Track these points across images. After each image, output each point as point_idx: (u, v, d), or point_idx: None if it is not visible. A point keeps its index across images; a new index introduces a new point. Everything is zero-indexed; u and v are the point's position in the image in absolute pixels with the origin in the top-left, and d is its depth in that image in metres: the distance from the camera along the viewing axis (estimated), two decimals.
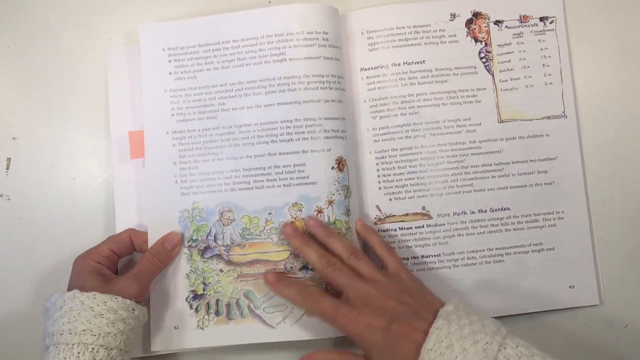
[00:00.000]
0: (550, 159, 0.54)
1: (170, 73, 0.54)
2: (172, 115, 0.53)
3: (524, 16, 0.55)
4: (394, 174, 0.53)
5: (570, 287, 0.54)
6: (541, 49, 0.55)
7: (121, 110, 0.55)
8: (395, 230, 0.53)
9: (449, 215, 0.53)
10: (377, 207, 0.53)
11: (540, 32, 0.55)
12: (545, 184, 0.54)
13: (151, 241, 0.52)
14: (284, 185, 0.52)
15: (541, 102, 0.55)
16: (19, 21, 0.57)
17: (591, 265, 0.54)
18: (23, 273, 0.51)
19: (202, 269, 0.52)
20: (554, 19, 0.55)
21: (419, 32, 0.54)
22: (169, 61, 0.54)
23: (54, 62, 0.57)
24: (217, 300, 0.52)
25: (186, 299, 0.52)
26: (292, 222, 0.51)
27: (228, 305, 0.52)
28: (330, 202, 0.51)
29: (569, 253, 0.54)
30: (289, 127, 0.52)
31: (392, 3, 0.55)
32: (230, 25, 0.54)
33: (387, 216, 0.53)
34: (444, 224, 0.53)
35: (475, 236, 0.53)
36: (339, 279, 0.47)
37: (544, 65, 0.55)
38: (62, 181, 0.56)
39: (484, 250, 0.53)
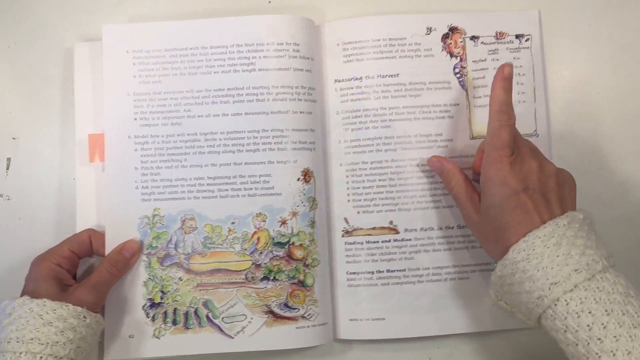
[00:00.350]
0: None
1: (134, 76, 0.53)
2: (135, 119, 0.52)
3: (500, 33, 0.55)
4: (364, 187, 0.53)
5: None
6: (515, 67, 0.54)
7: (85, 111, 0.54)
8: (362, 243, 0.53)
9: (416, 230, 0.53)
10: (345, 219, 0.53)
11: (516, 50, 0.55)
12: None
13: (109, 247, 0.51)
14: (248, 195, 0.52)
15: None
16: (19, 21, 0.56)
17: None
18: (23, 273, 0.49)
19: (161, 277, 0.51)
20: (529, 36, 0.55)
21: (394, 45, 0.54)
22: (133, 64, 0.53)
23: (54, 62, 0.56)
24: (175, 309, 0.51)
25: (143, 307, 0.51)
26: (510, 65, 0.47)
27: (186, 314, 0.51)
28: (294, 214, 0.51)
29: None
30: (256, 138, 0.52)
31: (368, 15, 0.55)
32: (199, 31, 0.53)
33: (354, 229, 0.53)
34: (410, 239, 0.53)
35: (441, 252, 0.53)
36: (517, 135, 0.47)
37: (517, 83, 0.54)
38: (62, 181, 0.55)
39: (449, 266, 0.53)
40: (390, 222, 0.53)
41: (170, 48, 0.53)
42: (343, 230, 0.53)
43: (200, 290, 0.51)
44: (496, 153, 0.45)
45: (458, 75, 0.54)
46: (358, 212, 0.53)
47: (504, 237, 0.43)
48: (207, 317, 0.51)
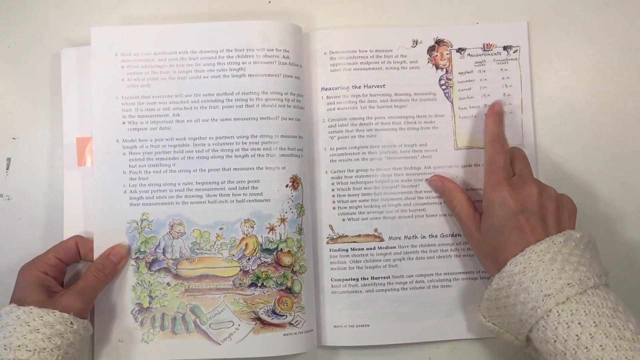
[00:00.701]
0: None
1: (122, 79, 0.52)
2: (124, 123, 0.52)
3: (487, 44, 0.55)
4: (349, 195, 0.54)
5: None
6: (503, 78, 0.55)
7: (73, 114, 0.54)
8: (347, 250, 0.54)
9: (400, 238, 0.54)
10: (330, 226, 0.54)
11: (503, 61, 0.55)
12: None
13: (97, 251, 0.51)
14: (237, 200, 0.52)
15: None
16: (19, 21, 0.57)
17: None
18: None
19: (149, 281, 0.52)
20: (517, 48, 0.55)
21: (381, 57, 0.54)
22: (122, 67, 0.52)
23: (54, 63, 0.56)
24: (163, 314, 0.51)
25: (131, 311, 0.52)
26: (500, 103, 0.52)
27: (174, 319, 0.51)
28: (283, 220, 0.52)
29: None
30: (245, 143, 0.52)
31: (355, 26, 0.56)
32: (188, 35, 0.53)
33: (339, 236, 0.54)
34: (394, 247, 0.53)
35: (425, 260, 0.53)
36: (518, 159, 0.50)
37: (504, 94, 0.55)
38: (62, 181, 0.54)
39: (432, 274, 0.53)
40: (375, 230, 0.54)
41: (159, 52, 0.53)
42: (328, 237, 0.54)
43: (188, 295, 0.52)
44: (494, 177, 0.48)
45: (444, 87, 0.55)
46: (343, 220, 0.54)
47: (502, 255, 0.45)
48: (195, 322, 0.51)
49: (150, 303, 0.52)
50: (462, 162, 0.54)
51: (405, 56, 0.55)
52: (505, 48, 0.55)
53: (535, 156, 0.55)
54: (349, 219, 0.54)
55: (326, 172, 0.54)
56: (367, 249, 0.54)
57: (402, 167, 0.54)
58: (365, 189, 0.54)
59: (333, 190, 0.54)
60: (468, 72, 0.55)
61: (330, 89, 0.55)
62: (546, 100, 0.56)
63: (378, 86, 0.54)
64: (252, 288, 0.52)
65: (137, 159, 0.52)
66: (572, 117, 0.56)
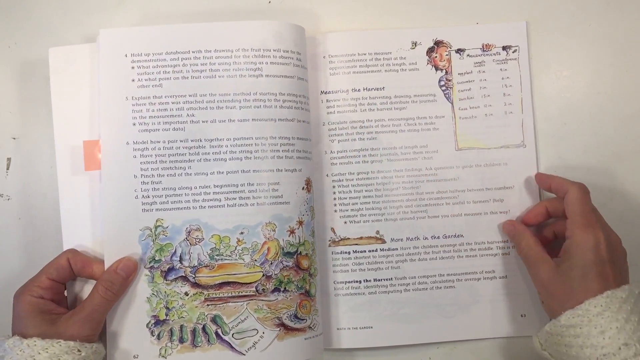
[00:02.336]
0: (506, 188, 0.53)
1: (133, 80, 0.49)
2: (134, 124, 0.48)
3: (486, 45, 0.54)
4: (350, 198, 0.52)
5: (521, 315, 0.52)
6: (502, 78, 0.53)
7: (68, 116, 0.50)
8: (349, 253, 0.52)
9: (402, 240, 0.52)
10: (332, 229, 0.52)
11: (503, 61, 0.54)
12: (501, 212, 0.53)
13: (108, 260, 0.47)
14: (257, 204, 0.48)
15: (500, 131, 0.53)
16: (19, 21, 0.55)
17: None
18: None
19: (165, 292, 0.47)
20: (516, 48, 0.54)
21: (380, 59, 0.53)
22: (132, 68, 0.49)
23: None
24: (182, 326, 0.47)
25: (147, 325, 0.47)
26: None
27: (193, 331, 0.47)
28: (301, 223, 0.49)
29: (521, 282, 0.52)
30: (264, 145, 0.48)
31: (354, 29, 0.54)
32: (201, 34, 0.49)
33: (341, 239, 0.52)
34: (397, 249, 0.52)
35: (427, 262, 0.52)
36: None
37: (504, 94, 0.53)
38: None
39: (435, 275, 0.52)
40: (377, 232, 0.52)
41: (171, 51, 0.49)
42: (330, 240, 0.52)
43: (208, 305, 0.48)
44: (586, 219, 0.46)
45: (443, 88, 0.53)
46: (345, 222, 0.52)
47: (578, 296, 0.43)
48: (217, 333, 0.48)
49: (167, 315, 0.48)
50: (463, 162, 0.53)
51: (405, 58, 0.53)
52: (504, 48, 0.54)
53: (536, 156, 0.53)
54: (351, 222, 0.52)
55: (327, 176, 0.53)
56: (369, 251, 0.52)
57: (403, 169, 0.52)
58: (366, 191, 0.52)
59: (334, 193, 0.53)
60: (468, 73, 0.53)
61: (329, 92, 0.53)
62: (546, 100, 0.54)
63: (377, 89, 0.53)
64: (276, 293, 0.48)
65: (149, 162, 0.48)
66: (572, 117, 0.54)
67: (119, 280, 0.46)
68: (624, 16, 0.55)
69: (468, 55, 0.54)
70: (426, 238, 0.52)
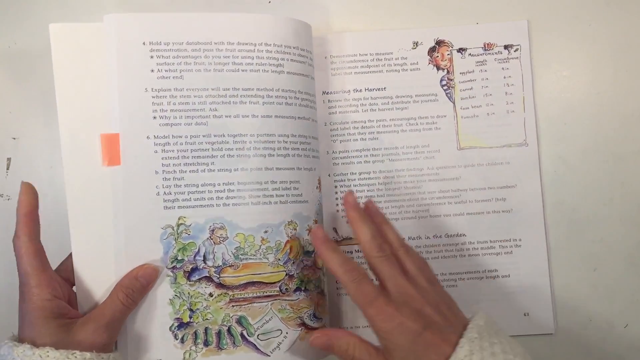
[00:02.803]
0: (509, 187, 0.52)
1: (152, 70, 0.45)
2: (154, 117, 0.45)
3: (488, 44, 0.53)
4: None
5: (525, 314, 0.52)
6: (504, 77, 0.53)
7: (76, 105, 0.45)
8: (352, 252, 0.52)
9: (404, 239, 0.52)
10: (335, 229, 0.52)
11: (504, 60, 0.53)
12: (503, 211, 0.52)
13: (128, 262, 0.43)
14: (280, 202, 0.46)
15: (502, 130, 0.52)
16: (19, 21, 0.54)
17: (547, 294, 0.52)
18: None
19: (189, 293, 0.45)
20: (518, 47, 0.53)
21: (381, 60, 0.52)
22: (151, 57, 0.45)
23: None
24: (206, 329, 0.45)
25: (170, 328, 0.44)
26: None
27: (218, 333, 0.45)
28: (316, 222, 0.48)
29: (525, 281, 0.52)
30: (287, 142, 0.46)
31: (355, 30, 0.54)
32: (223, 25, 0.46)
33: (343, 239, 0.52)
34: None
35: (430, 261, 0.51)
36: (384, 268, 0.41)
37: (506, 93, 0.53)
38: (62, 181, 0.51)
39: (437, 274, 0.50)
40: None
41: (192, 41, 0.46)
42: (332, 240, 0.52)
43: (233, 306, 0.45)
44: (373, 309, 0.40)
45: (445, 88, 0.53)
46: (347, 222, 0.52)
47: None
48: (242, 335, 0.45)
49: (191, 317, 0.45)
50: (465, 162, 0.52)
51: (406, 58, 0.53)
52: (506, 47, 0.53)
53: (538, 155, 0.53)
54: None
55: (329, 176, 0.52)
56: (400, 238, 0.51)
57: (405, 169, 0.52)
58: (368, 191, 0.52)
59: (336, 193, 0.52)
60: (469, 72, 0.53)
61: (331, 93, 0.53)
62: (546, 100, 0.53)
63: (379, 89, 0.52)
64: (298, 293, 0.47)
65: (171, 157, 0.45)
66: (572, 117, 0.54)
67: (139, 288, 0.43)
68: (624, 16, 0.55)
69: (470, 54, 0.53)
70: (428, 237, 0.52)
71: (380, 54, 0.53)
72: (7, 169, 0.53)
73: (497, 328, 0.40)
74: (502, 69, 0.53)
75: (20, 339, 0.39)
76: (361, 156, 0.52)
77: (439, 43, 0.53)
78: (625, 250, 0.53)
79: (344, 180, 0.52)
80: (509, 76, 0.53)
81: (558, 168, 0.53)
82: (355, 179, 0.52)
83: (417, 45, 0.53)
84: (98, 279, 0.44)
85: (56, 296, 0.40)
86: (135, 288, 0.42)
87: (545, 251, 0.52)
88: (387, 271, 0.41)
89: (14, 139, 0.54)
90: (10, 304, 0.48)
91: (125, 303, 0.41)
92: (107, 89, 0.45)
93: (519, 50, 0.53)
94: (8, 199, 0.53)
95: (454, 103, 0.53)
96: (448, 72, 0.53)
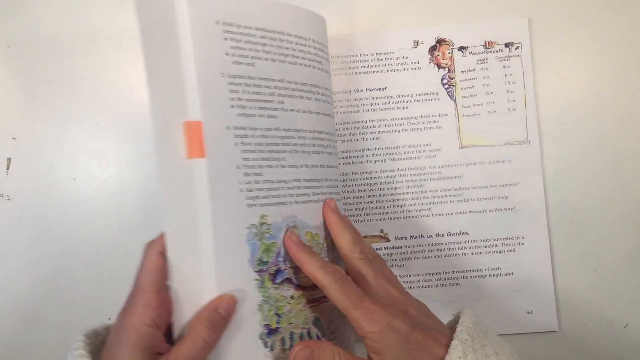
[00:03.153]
0: (511, 185, 0.52)
1: (227, 54, 0.39)
2: (232, 106, 0.39)
3: (488, 42, 0.53)
4: (354, 197, 0.52)
5: (528, 312, 0.51)
6: (505, 75, 0.52)
7: (163, 88, 0.40)
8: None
9: (406, 238, 0.52)
10: None
11: (505, 58, 0.53)
12: (506, 209, 0.52)
13: (218, 269, 0.37)
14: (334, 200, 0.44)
15: (504, 128, 0.52)
16: (19, 21, 0.54)
17: (551, 292, 0.51)
18: (23, 273, 0.49)
19: (275, 297, 0.40)
20: (519, 44, 0.53)
21: (382, 60, 0.52)
22: (225, 39, 0.39)
23: (54, 62, 0.54)
24: (291, 334, 0.41)
25: (260, 335, 0.39)
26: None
27: (301, 337, 0.41)
28: None
29: (528, 279, 0.51)
30: (331, 140, 0.45)
31: (355, 30, 0.54)
32: (285, 15, 0.43)
33: None
34: (401, 247, 0.51)
35: (432, 259, 0.51)
36: (367, 269, 0.40)
37: (507, 91, 0.52)
38: (62, 181, 0.53)
39: (440, 273, 0.51)
40: (381, 231, 0.52)
41: (260, 27, 0.41)
42: None
43: (309, 307, 0.42)
44: (359, 311, 0.37)
45: (446, 86, 0.53)
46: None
47: None
48: (317, 337, 0.42)
49: (278, 322, 0.40)
50: (466, 160, 0.52)
51: (407, 57, 0.53)
52: (506, 45, 0.53)
53: (540, 152, 0.52)
54: (355, 221, 0.52)
55: None
56: (374, 249, 0.52)
57: (406, 168, 0.52)
58: (370, 190, 0.52)
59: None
60: (470, 70, 0.53)
61: (332, 93, 0.53)
62: (546, 100, 0.53)
63: (380, 89, 0.52)
64: None
65: (250, 151, 0.40)
66: (572, 117, 0.53)
67: (220, 322, 0.37)
68: (624, 16, 0.54)
69: (471, 52, 0.53)
70: (430, 236, 0.52)
71: (381, 54, 0.53)
72: (7, 169, 0.53)
73: (485, 329, 0.39)
74: (503, 67, 0.53)
75: (104, 347, 0.36)
76: (362, 156, 0.52)
77: (440, 42, 0.53)
78: (625, 250, 0.53)
79: (346, 180, 0.52)
80: (510, 74, 0.53)
81: (558, 168, 0.53)
82: (357, 179, 0.52)
83: (417, 44, 0.53)
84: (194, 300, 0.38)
85: (156, 323, 0.36)
86: (217, 322, 0.36)
87: (548, 249, 0.52)
88: (371, 273, 0.40)
89: (14, 139, 0.54)
90: (11, 302, 0.49)
91: (207, 339, 0.36)
92: (182, 70, 0.38)
93: (519, 48, 0.53)
94: (8, 199, 0.53)
95: (455, 101, 0.52)
96: (449, 70, 0.53)
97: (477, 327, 0.38)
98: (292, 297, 0.41)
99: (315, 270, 0.39)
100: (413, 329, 0.36)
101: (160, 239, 0.38)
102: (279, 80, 0.42)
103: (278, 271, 0.41)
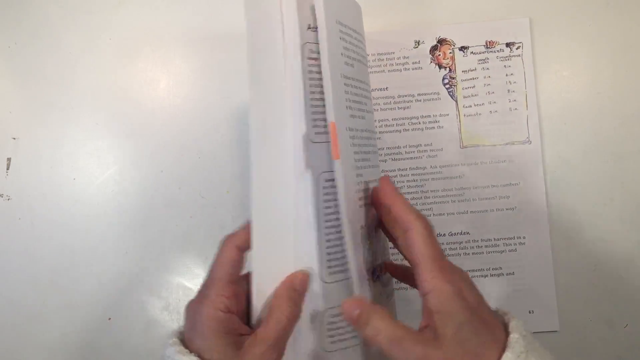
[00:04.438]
0: (513, 185, 0.51)
1: (342, 54, 0.37)
2: (347, 107, 0.37)
3: (490, 42, 0.52)
4: None
5: (529, 312, 0.50)
6: (506, 75, 0.51)
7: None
8: None
9: None
10: None
11: (506, 58, 0.52)
12: (507, 209, 0.51)
13: (353, 270, 0.36)
14: None
15: (505, 128, 0.51)
16: (19, 21, 0.53)
17: (552, 292, 0.50)
18: (23, 273, 0.49)
19: (374, 295, 0.39)
20: (520, 44, 0.52)
21: (383, 60, 0.51)
22: (341, 38, 0.37)
23: (54, 62, 0.53)
24: None
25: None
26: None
27: None
28: None
29: (529, 278, 0.50)
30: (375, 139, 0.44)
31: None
32: (356, 11, 0.41)
33: None
34: None
35: None
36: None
37: (509, 90, 0.51)
38: (62, 181, 0.52)
39: None
40: None
41: (353, 28, 0.39)
42: None
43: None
44: (439, 264, 0.34)
45: (447, 86, 0.51)
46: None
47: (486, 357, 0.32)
48: None
49: None
50: (468, 160, 0.51)
51: (408, 57, 0.51)
52: (507, 45, 0.52)
53: (541, 152, 0.51)
54: None
55: None
56: None
57: (408, 168, 0.51)
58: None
59: None
60: (471, 70, 0.51)
61: None
62: (546, 100, 0.52)
63: (381, 89, 0.51)
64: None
65: (357, 152, 0.38)
66: (572, 117, 0.52)
67: (298, 298, 0.36)
68: (624, 16, 0.53)
69: (472, 52, 0.52)
70: None
71: (382, 54, 0.51)
72: (7, 169, 0.53)
73: (536, 344, 0.35)
74: (504, 66, 0.52)
75: (186, 344, 0.35)
76: None
77: (441, 42, 0.52)
78: (625, 250, 0.52)
79: None
80: (511, 74, 0.51)
81: (558, 168, 0.51)
82: None
83: (418, 44, 0.52)
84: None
85: (230, 310, 0.36)
86: (296, 299, 0.36)
87: (550, 248, 0.51)
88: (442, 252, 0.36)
89: (14, 139, 0.53)
90: (11, 301, 0.48)
91: (289, 316, 0.35)
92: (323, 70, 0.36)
93: (520, 47, 0.52)
94: (8, 199, 0.52)
95: (456, 101, 0.51)
96: (450, 70, 0.52)
97: (528, 337, 0.35)
98: (387, 297, 0.41)
99: (407, 210, 0.36)
100: (479, 305, 0.34)
101: (239, 233, 0.37)
102: (364, 82, 0.41)
103: (374, 270, 0.40)
